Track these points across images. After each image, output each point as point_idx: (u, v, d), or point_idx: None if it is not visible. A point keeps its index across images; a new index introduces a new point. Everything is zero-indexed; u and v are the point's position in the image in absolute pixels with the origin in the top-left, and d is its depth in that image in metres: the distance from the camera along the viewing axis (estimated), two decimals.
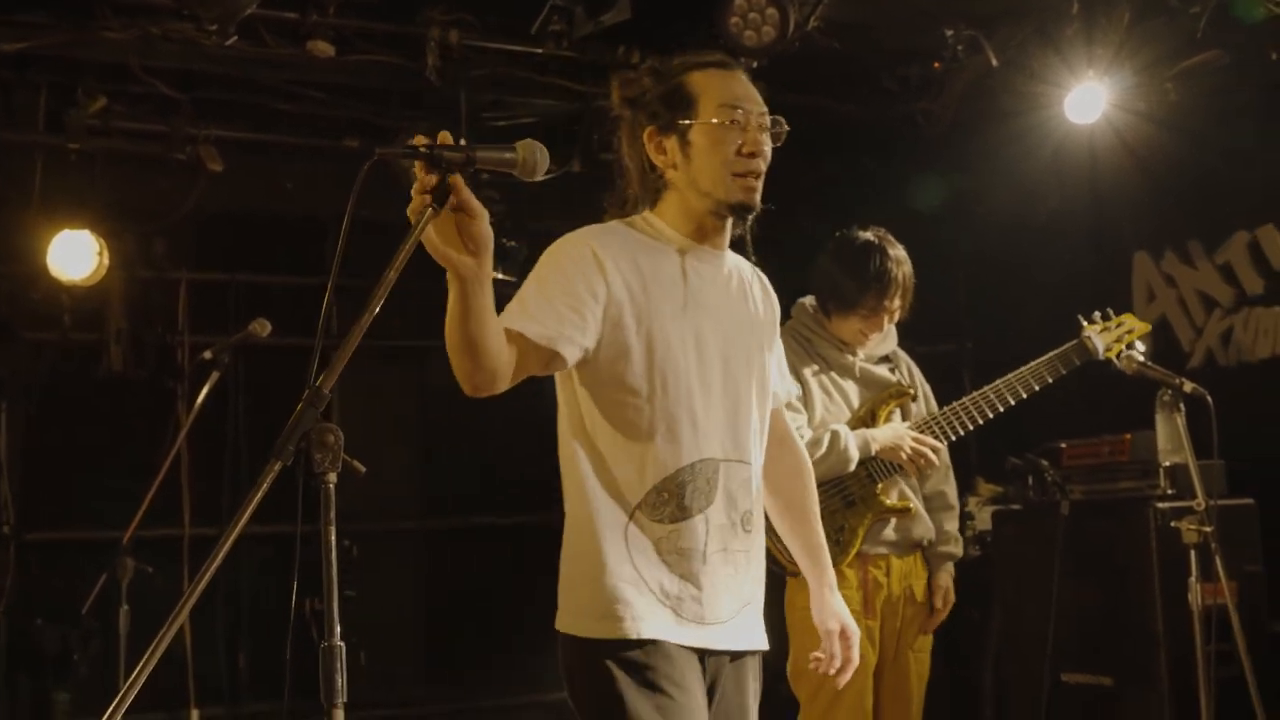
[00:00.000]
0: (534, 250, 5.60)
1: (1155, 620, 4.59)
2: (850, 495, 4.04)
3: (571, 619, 2.59)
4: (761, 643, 2.74)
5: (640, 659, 2.51)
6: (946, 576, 4.28)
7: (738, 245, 2.77)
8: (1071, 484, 5.00)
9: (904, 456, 4.05)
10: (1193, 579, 4.11)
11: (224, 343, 4.56)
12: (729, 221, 2.68)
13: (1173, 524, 4.23)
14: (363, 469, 1.99)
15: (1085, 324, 4.30)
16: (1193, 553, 4.10)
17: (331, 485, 1.96)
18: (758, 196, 2.64)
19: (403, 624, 6.65)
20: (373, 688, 6.10)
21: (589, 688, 2.55)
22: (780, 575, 4.06)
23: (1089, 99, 5.43)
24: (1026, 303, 6.66)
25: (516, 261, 5.55)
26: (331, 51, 4.97)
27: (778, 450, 2.92)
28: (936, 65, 5.42)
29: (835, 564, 3.97)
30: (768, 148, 2.65)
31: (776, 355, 2.90)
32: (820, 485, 3.95)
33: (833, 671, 2.89)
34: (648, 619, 2.53)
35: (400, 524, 6.74)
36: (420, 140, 2.13)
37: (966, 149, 6.37)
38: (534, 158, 2.21)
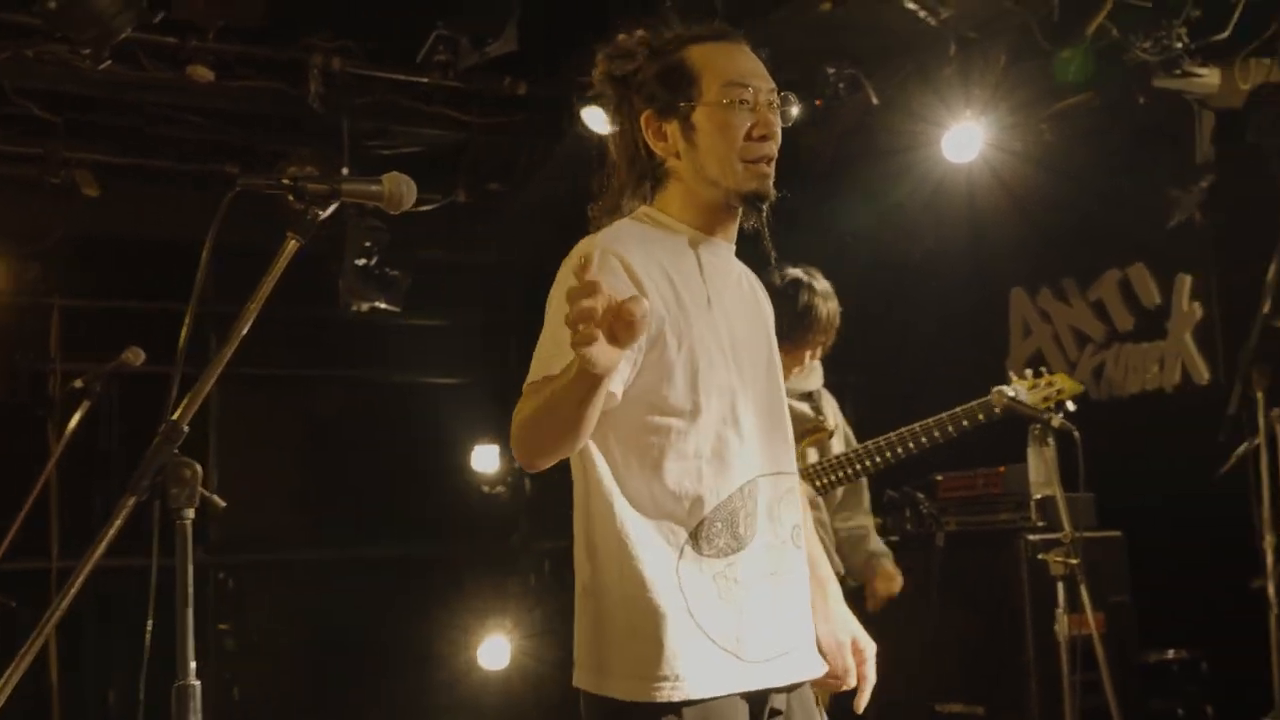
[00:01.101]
0: (417, 280, 5.65)
1: (1025, 650, 4.69)
2: None
3: (602, 677, 2.24)
4: (820, 666, 2.40)
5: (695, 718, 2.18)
6: (890, 563, 4.43)
7: (753, 240, 2.44)
8: (947, 516, 5.09)
9: None
10: (1060, 610, 4.19)
11: (96, 371, 4.45)
12: (739, 212, 2.38)
13: (1040, 556, 4.33)
14: (222, 504, 1.91)
15: (1015, 379, 4.31)
16: (1060, 584, 4.19)
17: (188, 521, 1.86)
18: (771, 183, 2.34)
19: (282, 658, 6.54)
20: None
21: None
22: None
23: (966, 138, 5.51)
24: (909, 337, 6.78)
25: (400, 291, 5.52)
26: (211, 76, 4.90)
27: None
28: (818, 103, 5.48)
29: None
30: (779, 129, 2.35)
31: None
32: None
33: (850, 686, 2.48)
34: (706, 675, 2.20)
35: (283, 555, 6.63)
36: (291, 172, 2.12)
37: (847, 185, 6.46)
38: (399, 190, 2.16)
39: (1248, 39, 5.07)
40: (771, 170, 2.33)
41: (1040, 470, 4.51)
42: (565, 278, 2.24)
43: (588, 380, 1.93)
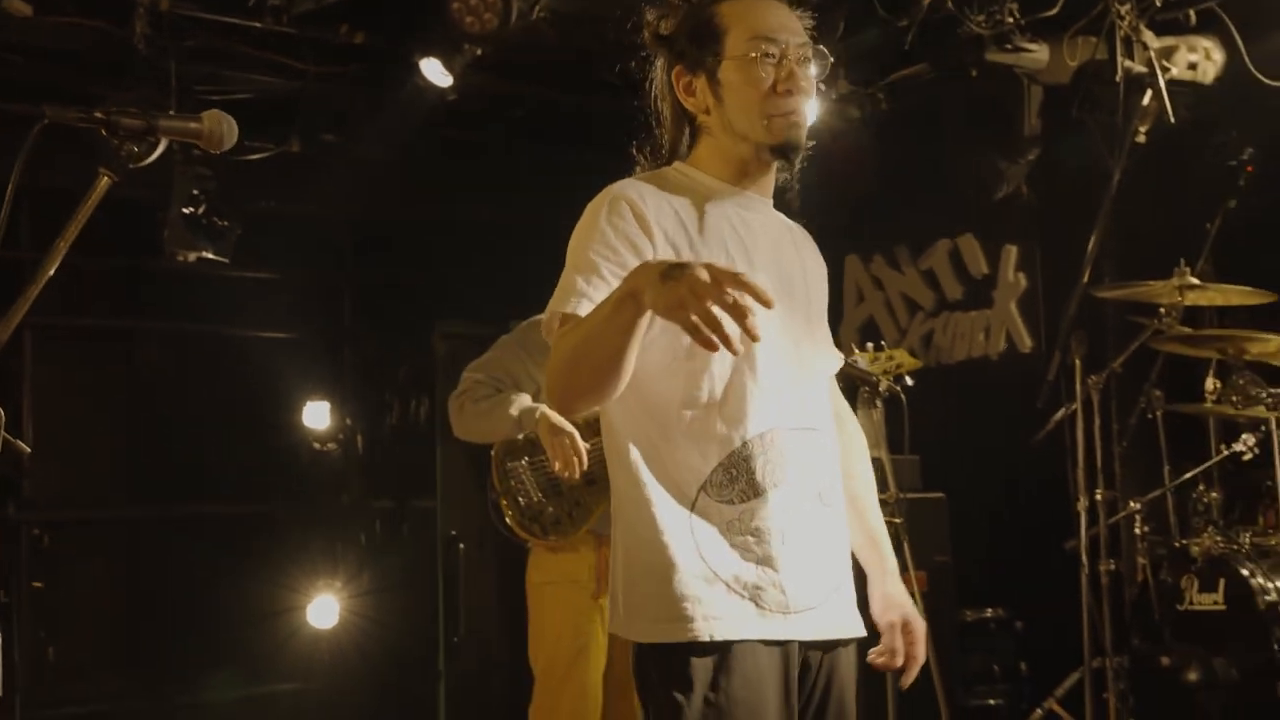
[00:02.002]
0: (247, 231, 5.54)
1: None
2: (593, 474, 4.08)
3: (633, 622, 2.29)
4: (857, 629, 2.38)
5: (710, 668, 2.21)
6: None
7: (780, 195, 2.46)
8: None
9: (549, 444, 3.94)
10: None
11: None
12: (774, 165, 2.38)
13: None
14: (27, 449, 1.84)
15: (857, 352, 4.38)
16: None
17: None
18: (802, 133, 2.33)
19: (101, 617, 6.39)
20: (62, 683, 5.85)
21: (652, 696, 2.25)
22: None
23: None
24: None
25: (228, 241, 5.39)
26: (29, 11, 4.71)
27: (836, 424, 2.56)
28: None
29: (565, 535, 4.06)
30: (807, 81, 2.33)
31: (826, 321, 2.58)
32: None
33: (898, 665, 2.49)
34: (722, 617, 2.22)
35: (103, 512, 6.46)
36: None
37: None
38: (220, 129, 2.12)
39: (1076, 17, 5.23)
40: (801, 122, 2.32)
41: (868, 432, 4.62)
42: (591, 219, 2.28)
43: (631, 308, 1.97)
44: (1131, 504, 4.75)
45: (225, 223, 5.25)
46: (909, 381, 4.47)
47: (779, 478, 2.26)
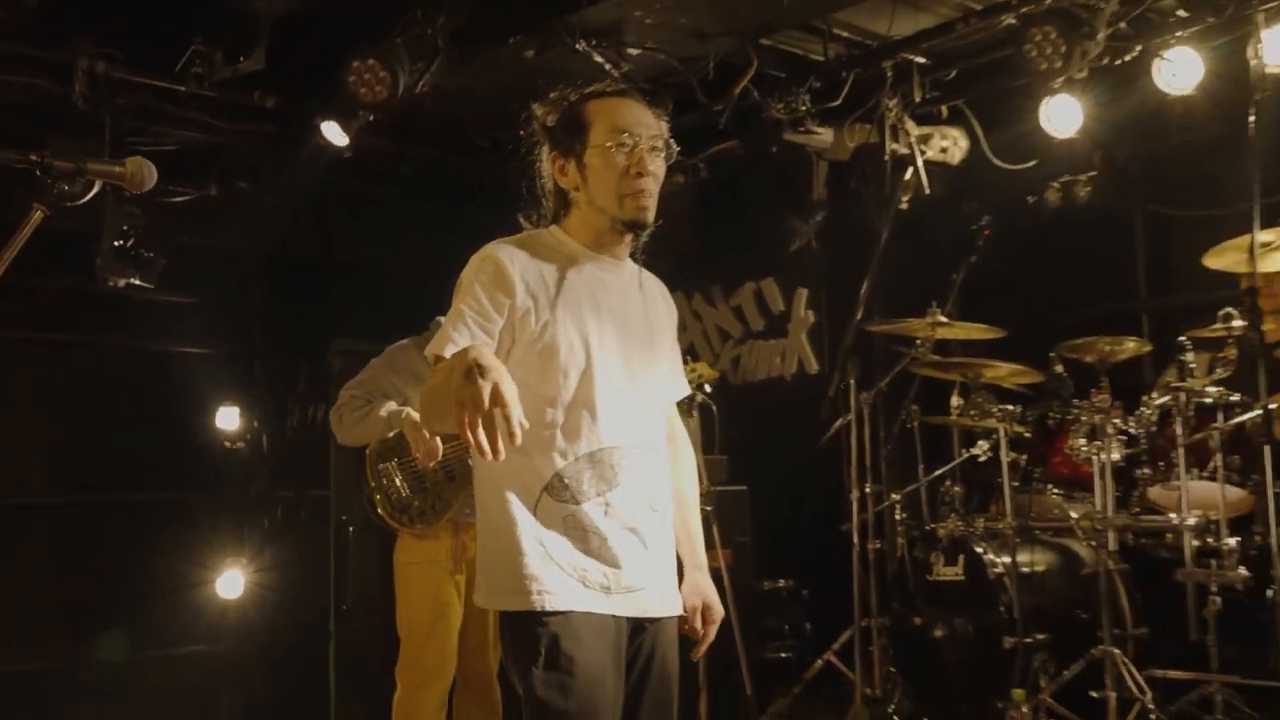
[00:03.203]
0: (171, 261, 5.36)
1: None
2: (451, 470, 4.03)
3: (491, 595, 2.35)
4: (674, 609, 2.44)
5: (550, 631, 2.27)
6: None
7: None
8: None
9: (412, 439, 3.84)
10: None
11: None
12: (627, 235, 2.43)
13: None
14: None
15: None
16: None
17: None
18: (649, 214, 2.39)
19: (36, 588, 6.09)
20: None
21: (511, 655, 2.33)
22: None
23: None
24: None
25: (154, 270, 5.21)
26: None
27: (669, 443, 2.60)
28: (522, 132, 5.47)
29: (429, 524, 4.00)
30: (655, 167, 2.38)
31: (672, 356, 2.62)
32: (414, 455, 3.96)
33: (697, 639, 2.55)
34: (554, 592, 2.29)
35: (33, 500, 6.15)
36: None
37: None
38: (142, 173, 2.07)
39: (854, 108, 5.35)
40: (650, 202, 2.38)
41: None
42: (467, 275, 2.35)
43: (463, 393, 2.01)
44: (893, 496, 4.84)
45: (151, 254, 5.06)
46: (708, 389, 4.49)
47: (607, 486, 2.32)
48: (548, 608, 2.27)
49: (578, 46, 4.74)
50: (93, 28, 4.66)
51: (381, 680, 4.17)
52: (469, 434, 1.94)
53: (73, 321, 6.28)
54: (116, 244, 4.97)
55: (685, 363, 4.36)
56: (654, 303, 2.56)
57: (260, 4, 4.57)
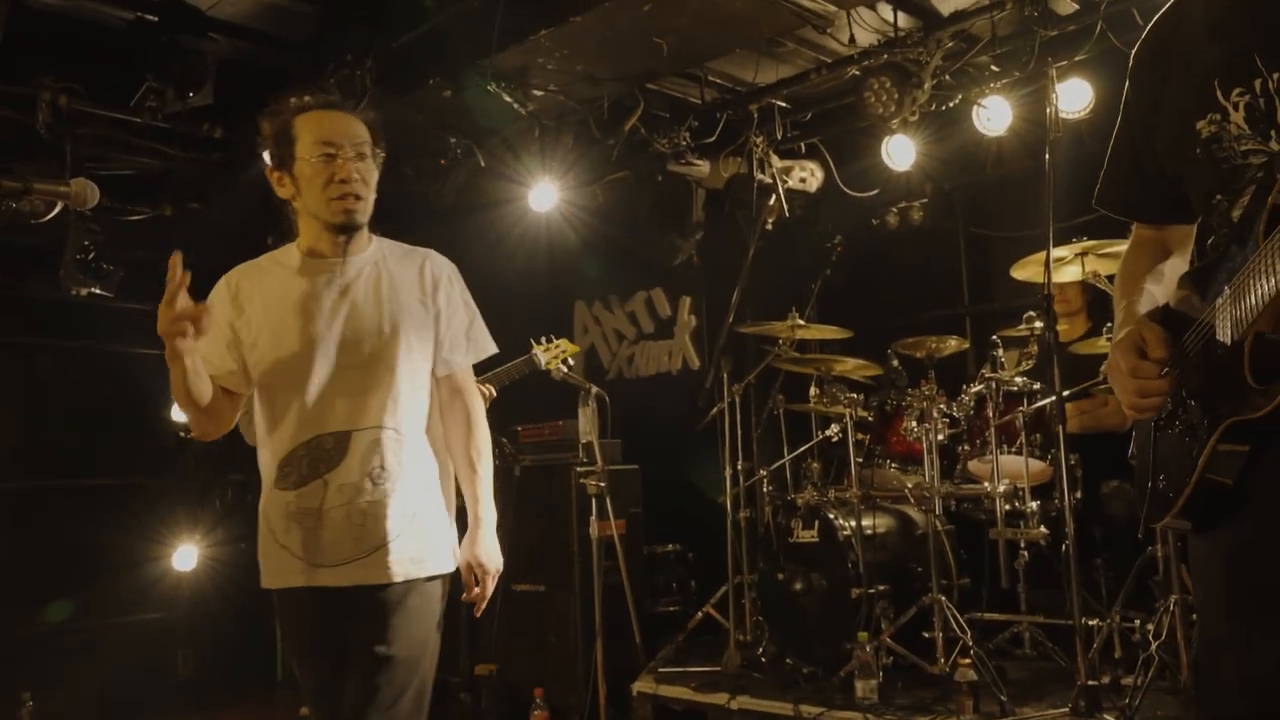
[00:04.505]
0: (130, 273, 5.21)
1: (572, 545, 4.81)
2: None
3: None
4: (410, 574, 2.23)
5: (281, 605, 2.27)
6: None
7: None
8: (524, 454, 5.18)
9: None
10: (593, 517, 4.38)
11: None
12: (340, 237, 2.30)
13: (581, 481, 4.49)
14: None
15: (534, 345, 4.33)
16: (594, 500, 4.37)
17: None
18: (356, 215, 2.27)
19: (6, 563, 5.87)
20: None
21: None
22: None
23: (545, 195, 5.58)
24: (506, 332, 6.83)
25: (113, 281, 5.06)
26: None
27: (448, 409, 2.41)
28: (442, 161, 5.44)
29: None
30: (361, 172, 2.26)
31: (444, 330, 2.39)
32: None
33: (474, 597, 2.36)
34: (274, 572, 2.25)
35: (8, 485, 5.93)
36: None
37: (462, 223, 6.43)
38: (85, 192, 2.00)
39: (727, 144, 5.44)
40: (357, 205, 2.27)
41: (585, 423, 4.65)
42: (214, 293, 2.35)
43: (174, 365, 2.09)
44: (761, 471, 4.91)
45: (110, 266, 4.93)
46: (572, 362, 4.41)
47: (326, 469, 2.21)
48: (270, 585, 2.29)
49: (489, 87, 4.73)
50: (54, 64, 4.51)
51: None
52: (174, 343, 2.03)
53: (37, 326, 6.08)
54: (78, 257, 4.83)
55: (551, 340, 4.37)
56: (404, 285, 2.35)
57: (208, 46, 4.46)
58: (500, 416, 4.52)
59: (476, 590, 2.36)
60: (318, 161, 2.25)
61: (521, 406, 5.07)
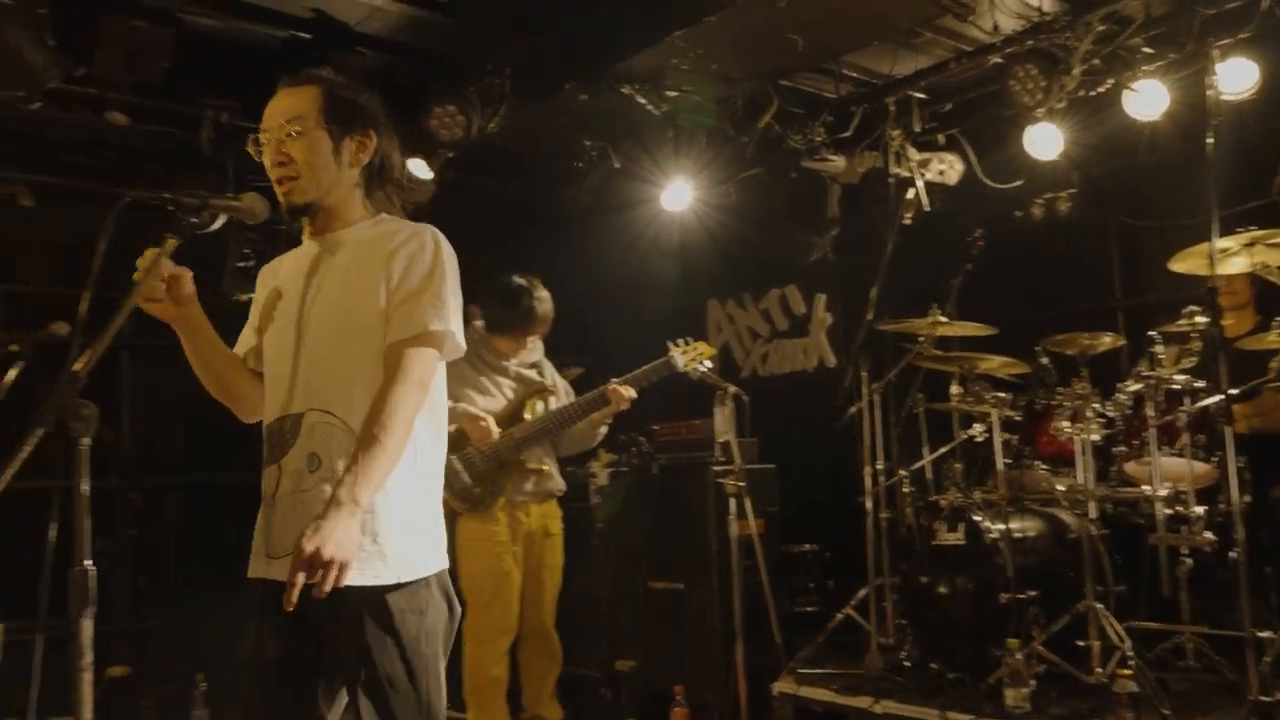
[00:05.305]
0: None
1: (710, 545, 4.75)
2: (502, 458, 4.04)
3: None
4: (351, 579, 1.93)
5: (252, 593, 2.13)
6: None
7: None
8: (660, 453, 5.16)
9: (470, 428, 3.95)
10: (732, 517, 4.34)
11: (28, 338, 4.13)
12: (300, 218, 2.19)
13: (719, 480, 4.45)
14: (112, 436, 1.79)
15: (671, 346, 4.30)
16: (732, 500, 4.34)
17: (85, 447, 1.71)
18: (293, 196, 2.13)
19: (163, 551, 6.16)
20: None
21: None
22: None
23: (679, 195, 5.58)
24: (638, 331, 6.84)
25: None
26: (125, 121, 4.58)
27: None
28: (578, 164, 5.48)
29: (487, 507, 3.99)
30: (296, 152, 2.11)
31: (393, 297, 2.10)
32: (480, 450, 3.97)
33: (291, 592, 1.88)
34: (250, 561, 2.15)
35: (185, 477, 6.22)
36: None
37: (596, 225, 6.48)
38: (256, 207, 2.09)
39: (863, 137, 5.31)
40: (290, 186, 2.13)
41: (722, 423, 4.61)
42: None
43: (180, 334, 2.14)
44: (901, 471, 4.79)
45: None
46: (710, 364, 4.36)
47: (281, 453, 2.11)
48: (250, 575, 2.16)
49: (623, 90, 4.74)
50: (217, 84, 4.72)
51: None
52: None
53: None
54: (239, 265, 5.04)
55: (688, 342, 4.31)
56: (371, 261, 2.12)
57: (355, 60, 4.60)
58: (636, 415, 4.55)
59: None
60: (260, 153, 2.18)
61: (656, 405, 5.06)
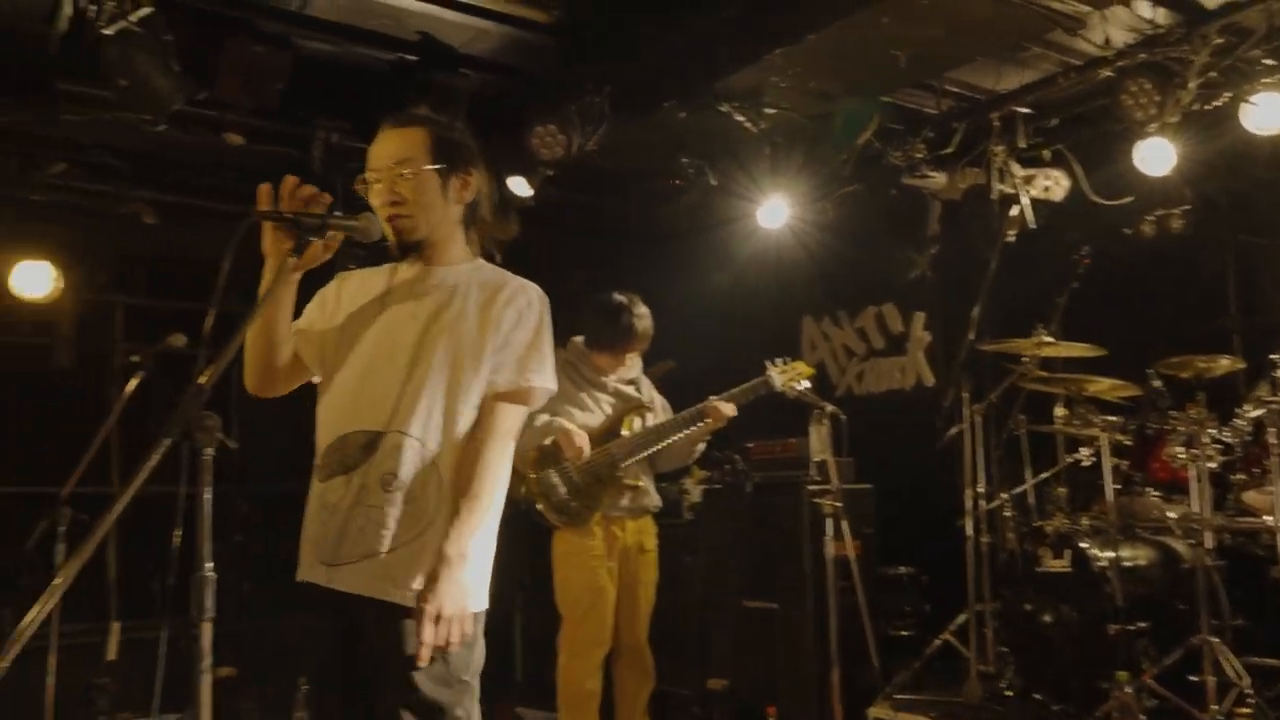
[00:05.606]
0: None
1: (804, 565, 4.70)
2: (598, 472, 4.05)
3: None
4: (384, 593, 2.09)
5: (307, 599, 2.20)
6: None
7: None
8: (754, 471, 5.10)
9: (566, 443, 3.95)
10: (828, 538, 4.28)
11: (148, 350, 4.30)
12: (408, 254, 2.27)
13: (815, 501, 4.39)
14: (234, 444, 1.85)
15: (769, 365, 4.27)
16: (829, 521, 4.28)
17: (209, 457, 1.79)
18: (406, 235, 2.23)
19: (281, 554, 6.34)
20: None
21: None
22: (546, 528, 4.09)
23: (775, 212, 5.55)
24: (734, 349, 6.80)
25: None
26: (241, 141, 4.75)
27: (473, 429, 2.23)
28: (676, 182, 5.49)
29: (583, 521, 3.99)
30: (405, 192, 2.21)
31: (500, 349, 2.23)
32: (577, 465, 3.99)
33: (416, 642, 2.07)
34: (300, 564, 2.22)
35: (290, 486, 6.40)
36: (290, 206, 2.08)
37: (693, 242, 6.48)
38: (371, 227, 2.15)
39: (965, 154, 5.21)
40: (403, 224, 2.22)
41: (818, 442, 4.58)
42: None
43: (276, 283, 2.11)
44: (1002, 495, 4.67)
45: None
46: (808, 384, 4.31)
47: (350, 466, 2.16)
48: (299, 578, 2.23)
49: (721, 108, 4.73)
50: (327, 106, 4.86)
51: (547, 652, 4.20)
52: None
53: None
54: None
55: (786, 361, 4.27)
56: (475, 304, 2.25)
57: (460, 81, 4.69)
58: (730, 433, 4.52)
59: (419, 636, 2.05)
60: (368, 191, 2.26)
61: (749, 424, 5.03)
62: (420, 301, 2.25)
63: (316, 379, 2.34)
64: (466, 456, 2.18)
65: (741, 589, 4.97)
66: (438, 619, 2.04)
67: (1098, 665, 3.73)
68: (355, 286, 2.35)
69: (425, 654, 2.03)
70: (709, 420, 4.10)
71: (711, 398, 4.15)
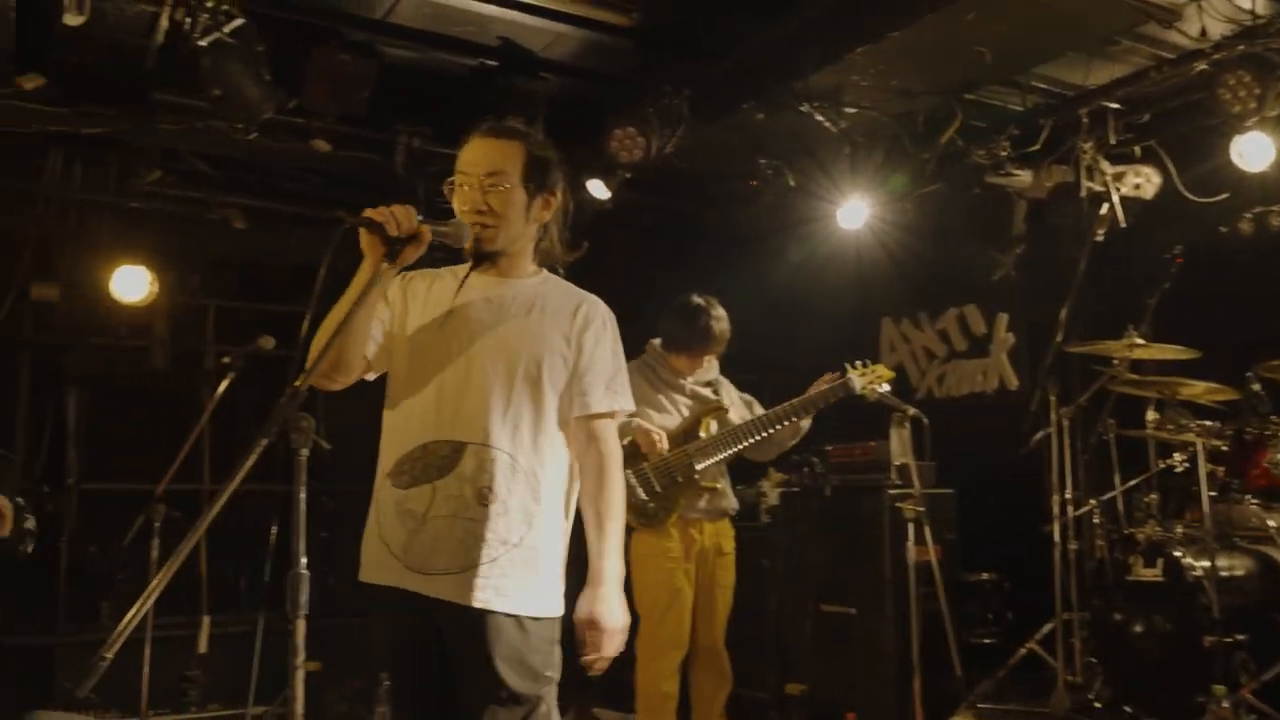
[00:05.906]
0: None
1: (884, 569, 4.63)
2: (675, 473, 4.04)
3: None
4: (490, 604, 2.15)
5: (374, 600, 2.24)
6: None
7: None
8: (833, 474, 5.04)
9: (644, 441, 3.95)
10: (910, 542, 4.21)
11: (239, 351, 4.41)
12: (484, 260, 2.29)
13: (897, 505, 4.32)
14: (327, 446, 1.89)
15: (849, 368, 4.21)
16: (910, 525, 4.21)
17: (304, 457, 1.83)
18: (486, 244, 2.24)
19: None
20: None
21: None
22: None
23: (854, 212, 5.47)
24: (813, 350, 6.71)
25: None
26: (328, 148, 4.86)
27: (583, 456, 2.32)
28: (755, 183, 5.45)
29: (660, 522, 3.99)
30: (493, 202, 2.23)
31: (583, 371, 2.30)
32: (655, 467, 3.98)
33: (587, 653, 2.24)
34: (369, 565, 2.25)
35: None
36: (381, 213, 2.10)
37: (772, 243, 6.42)
38: (461, 231, 2.19)
39: (1051, 151, 5.08)
40: (485, 233, 2.23)
41: (899, 445, 4.51)
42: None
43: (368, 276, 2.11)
44: (1091, 501, 4.54)
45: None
46: (888, 387, 4.22)
47: (433, 476, 2.17)
48: (362, 579, 2.26)
49: (802, 109, 4.68)
50: (410, 111, 4.93)
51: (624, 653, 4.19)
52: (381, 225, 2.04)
53: None
54: None
55: (865, 364, 4.18)
56: (554, 319, 2.29)
57: (539, 85, 4.72)
58: (808, 436, 4.46)
59: (592, 651, 2.23)
60: (454, 191, 2.28)
61: (832, 425, 4.97)
62: (497, 315, 2.27)
63: (370, 377, 2.37)
64: (588, 475, 2.30)
65: (819, 593, 4.91)
66: (610, 633, 2.22)
67: (1191, 678, 3.60)
68: (422, 292, 2.34)
69: (602, 666, 2.23)
70: (785, 424, 4.06)
71: (797, 400, 4.11)
